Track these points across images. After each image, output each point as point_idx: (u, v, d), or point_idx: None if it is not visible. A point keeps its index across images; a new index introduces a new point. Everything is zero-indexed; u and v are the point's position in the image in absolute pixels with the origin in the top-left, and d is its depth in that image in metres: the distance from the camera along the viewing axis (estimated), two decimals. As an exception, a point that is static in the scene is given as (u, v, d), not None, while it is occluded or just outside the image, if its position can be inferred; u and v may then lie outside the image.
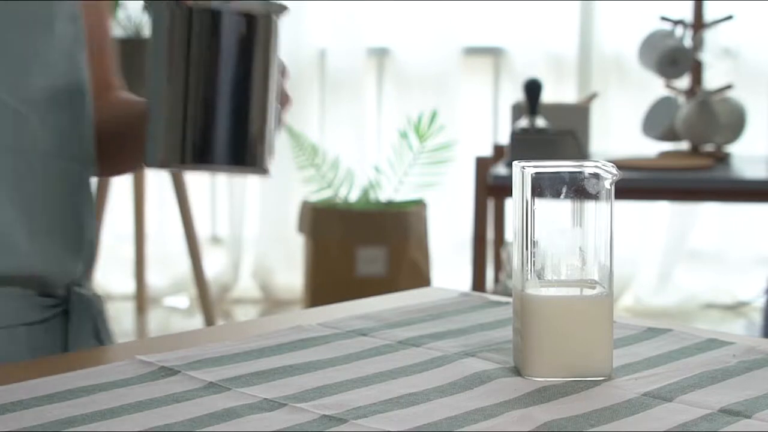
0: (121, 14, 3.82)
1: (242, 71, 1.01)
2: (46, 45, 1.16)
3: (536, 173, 1.01)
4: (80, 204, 1.21)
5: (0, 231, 1.13)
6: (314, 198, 4.10)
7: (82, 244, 1.22)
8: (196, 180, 4.34)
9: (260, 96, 1.02)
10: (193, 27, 1.00)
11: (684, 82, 3.68)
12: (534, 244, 1.03)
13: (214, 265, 4.34)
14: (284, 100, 1.14)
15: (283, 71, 1.13)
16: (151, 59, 1.02)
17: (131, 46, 3.69)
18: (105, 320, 1.25)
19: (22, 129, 1.14)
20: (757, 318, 4.22)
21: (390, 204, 4.10)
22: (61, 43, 1.18)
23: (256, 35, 1.02)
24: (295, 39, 4.28)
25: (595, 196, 1.02)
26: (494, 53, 4.55)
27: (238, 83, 1.01)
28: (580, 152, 3.32)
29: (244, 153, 1.01)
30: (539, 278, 1.03)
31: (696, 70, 3.65)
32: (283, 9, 1.05)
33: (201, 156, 1.00)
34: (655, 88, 3.78)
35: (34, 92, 1.15)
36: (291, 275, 4.42)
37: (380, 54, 4.52)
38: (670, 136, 3.60)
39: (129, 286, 4.33)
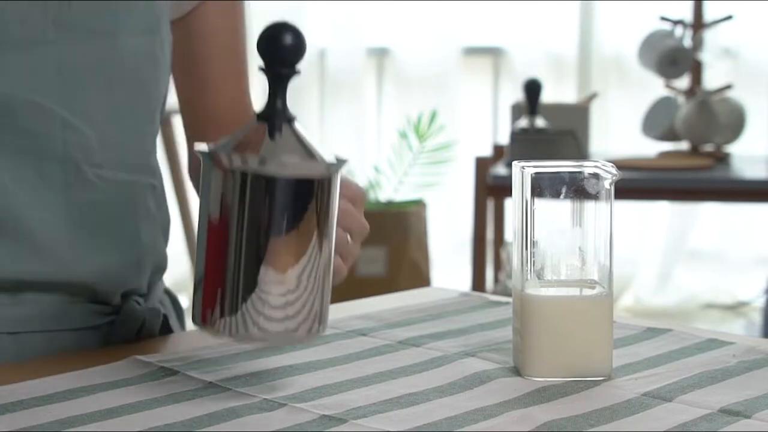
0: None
1: (296, 238, 0.92)
2: (108, 59, 1.14)
3: (536, 173, 1.01)
4: (140, 216, 1.19)
5: (44, 237, 1.12)
6: (314, 198, 4.10)
7: (141, 257, 1.20)
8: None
9: (315, 262, 0.93)
10: (245, 192, 0.91)
11: (684, 82, 3.68)
12: (534, 244, 1.03)
13: (213, 265, 4.32)
14: (358, 229, 1.08)
15: (357, 199, 1.07)
16: (201, 214, 0.94)
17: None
18: (155, 335, 1.23)
19: (73, 140, 1.13)
20: (757, 318, 4.22)
21: (390, 204, 4.10)
22: (126, 58, 1.15)
23: (312, 199, 0.92)
24: (294, 39, 4.27)
25: (594, 196, 1.02)
26: (494, 53, 4.55)
27: (289, 251, 0.92)
28: (580, 152, 3.32)
29: (294, 326, 0.93)
30: (539, 278, 1.03)
31: (696, 70, 3.65)
32: (342, 164, 0.95)
33: (246, 328, 0.92)
34: (655, 88, 3.78)
35: (91, 106, 1.14)
36: (291, 275, 4.42)
37: (380, 54, 4.52)
38: (670, 136, 3.60)
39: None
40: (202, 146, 0.95)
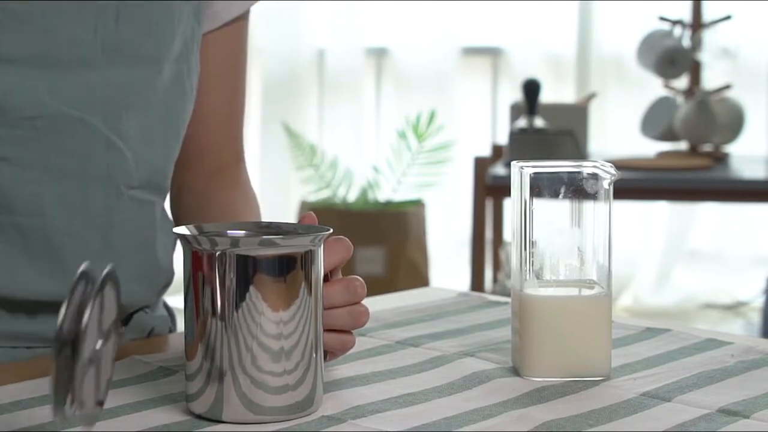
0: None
1: (282, 315, 0.90)
2: (148, 83, 1.15)
3: (535, 173, 1.01)
4: (157, 234, 1.20)
5: (75, 259, 1.12)
6: (313, 198, 4.10)
7: (157, 276, 1.21)
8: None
9: (303, 338, 0.91)
10: (227, 272, 0.89)
11: (683, 82, 3.68)
12: (533, 244, 1.03)
13: (212, 265, 4.32)
14: (357, 293, 1.00)
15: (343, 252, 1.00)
16: (185, 298, 0.93)
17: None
18: None
19: (115, 162, 1.14)
20: (756, 318, 4.22)
21: (388, 204, 4.10)
22: (161, 83, 1.17)
23: (298, 273, 0.90)
24: (293, 39, 4.28)
25: (593, 196, 1.02)
26: (493, 53, 4.55)
27: (276, 330, 0.90)
28: (579, 152, 3.32)
29: (290, 405, 0.91)
30: (538, 278, 1.03)
31: (695, 70, 3.65)
32: (326, 233, 0.93)
33: (240, 413, 0.90)
34: (654, 88, 3.78)
35: (132, 129, 1.15)
36: (290, 275, 4.41)
37: (379, 54, 4.52)
38: (669, 136, 3.60)
39: (128, 286, 4.32)
40: (181, 229, 0.93)
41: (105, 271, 0.82)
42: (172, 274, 1.25)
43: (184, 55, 1.19)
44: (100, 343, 0.80)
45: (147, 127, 1.17)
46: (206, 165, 1.30)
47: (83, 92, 1.12)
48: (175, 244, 1.26)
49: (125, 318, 1.21)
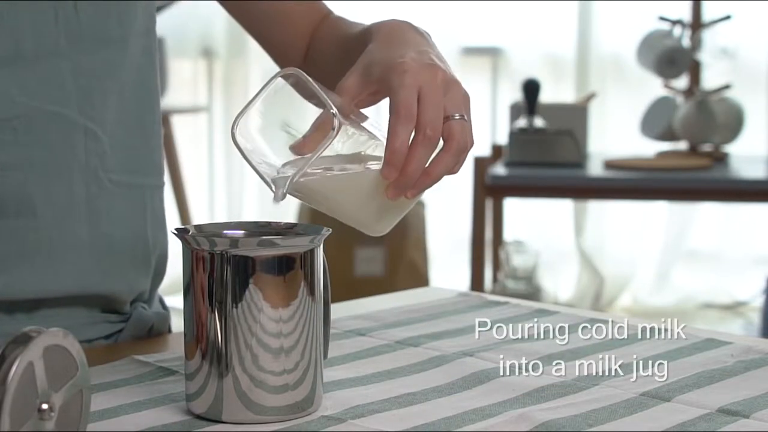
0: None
1: (282, 315, 0.90)
2: (119, 64, 1.15)
3: None
4: (148, 219, 1.20)
5: (67, 253, 1.12)
6: (312, 198, 4.10)
7: (150, 261, 1.21)
8: (194, 179, 4.34)
9: (303, 338, 0.91)
10: (226, 273, 0.89)
11: (682, 82, 3.68)
12: None
13: (212, 265, 4.31)
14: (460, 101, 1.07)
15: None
16: (185, 298, 0.93)
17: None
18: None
19: (92, 148, 1.13)
20: (755, 318, 4.22)
21: (388, 204, 4.10)
22: (132, 59, 1.16)
23: (297, 273, 0.91)
24: (293, 39, 4.26)
25: None
26: (493, 53, 4.55)
27: (276, 329, 0.90)
28: (579, 152, 3.32)
29: (289, 404, 0.91)
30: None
31: (694, 69, 3.65)
32: (326, 233, 0.94)
33: (239, 413, 0.90)
34: (654, 87, 3.78)
35: (106, 111, 1.14)
36: (289, 275, 4.40)
37: (378, 54, 4.51)
38: (669, 136, 3.60)
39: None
40: (180, 230, 0.93)
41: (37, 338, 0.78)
42: (166, 260, 1.24)
43: (149, 28, 1.19)
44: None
45: (122, 108, 1.16)
46: (301, 29, 1.35)
47: (55, 85, 1.11)
48: (165, 231, 1.25)
49: (125, 317, 1.20)
